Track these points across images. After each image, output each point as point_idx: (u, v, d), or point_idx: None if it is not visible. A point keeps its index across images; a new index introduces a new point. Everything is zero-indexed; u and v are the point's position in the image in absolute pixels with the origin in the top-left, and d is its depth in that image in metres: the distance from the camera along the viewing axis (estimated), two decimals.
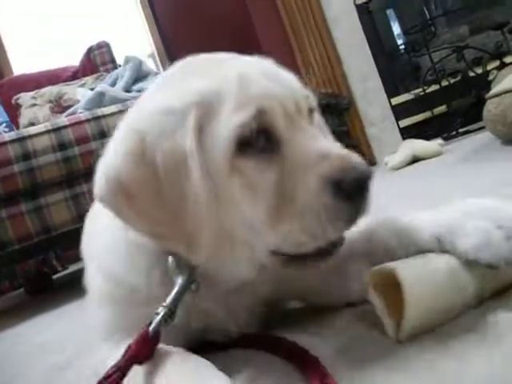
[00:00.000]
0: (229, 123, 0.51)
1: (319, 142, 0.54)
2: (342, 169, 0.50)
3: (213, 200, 0.51)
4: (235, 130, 0.51)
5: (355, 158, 0.51)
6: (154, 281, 0.59)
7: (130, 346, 0.51)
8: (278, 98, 0.54)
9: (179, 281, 0.56)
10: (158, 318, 0.52)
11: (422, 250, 0.55)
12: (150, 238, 0.54)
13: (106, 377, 0.49)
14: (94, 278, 0.69)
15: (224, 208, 0.52)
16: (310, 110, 0.60)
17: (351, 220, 0.52)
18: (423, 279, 0.50)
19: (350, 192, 0.50)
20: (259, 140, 0.52)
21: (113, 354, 0.55)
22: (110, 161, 0.53)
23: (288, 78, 0.59)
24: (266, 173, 0.52)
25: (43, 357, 1.02)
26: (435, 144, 2.40)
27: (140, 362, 0.51)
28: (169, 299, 0.54)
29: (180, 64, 0.63)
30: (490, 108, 1.73)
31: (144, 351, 0.51)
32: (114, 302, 0.64)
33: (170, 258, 0.57)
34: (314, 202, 0.50)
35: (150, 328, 0.52)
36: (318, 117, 0.64)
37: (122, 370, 0.50)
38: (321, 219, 0.50)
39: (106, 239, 0.65)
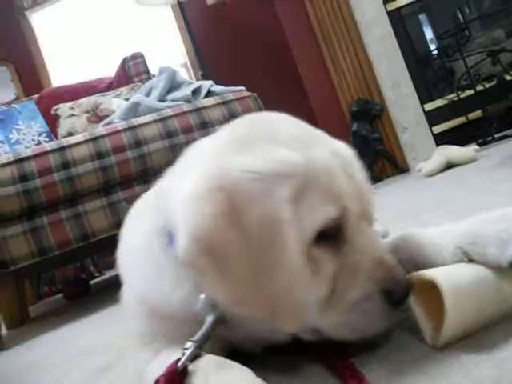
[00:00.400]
0: (317, 212, 0.53)
1: (375, 247, 0.58)
2: (393, 280, 0.55)
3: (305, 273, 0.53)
4: (321, 222, 0.53)
5: (399, 269, 0.57)
6: (175, 302, 0.61)
7: (158, 381, 0.51)
8: (355, 200, 0.57)
9: (210, 318, 0.57)
10: (187, 354, 0.53)
11: (448, 263, 0.56)
12: (231, 303, 0.53)
13: None
14: (125, 291, 0.72)
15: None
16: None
17: (391, 321, 0.57)
18: (463, 287, 0.50)
19: (398, 301, 0.55)
20: (332, 235, 0.55)
21: (151, 361, 0.58)
22: (197, 221, 0.51)
23: (362, 176, 0.61)
24: (329, 264, 0.55)
25: (86, 359, 1.06)
26: (470, 150, 2.36)
27: None
28: (198, 335, 0.55)
29: (251, 122, 0.63)
30: None
31: None
32: (143, 315, 0.67)
33: (203, 296, 0.57)
34: (366, 302, 0.55)
35: (179, 364, 0.52)
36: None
37: None
38: (367, 318, 0.55)
39: (135, 256, 0.67)
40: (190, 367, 0.52)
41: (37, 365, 1.21)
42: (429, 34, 3.60)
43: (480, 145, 2.70)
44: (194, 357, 0.53)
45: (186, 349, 0.53)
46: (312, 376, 0.56)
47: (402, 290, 0.55)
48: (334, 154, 0.57)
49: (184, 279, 0.59)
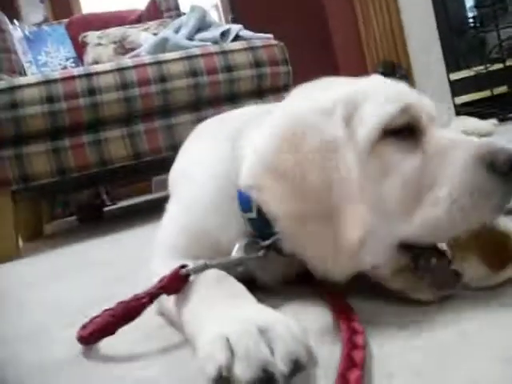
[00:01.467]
0: (377, 112, 0.54)
1: (460, 135, 0.55)
2: (492, 149, 0.49)
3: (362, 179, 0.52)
4: (383, 117, 0.53)
5: (498, 143, 0.51)
6: (229, 237, 0.64)
7: (164, 278, 0.57)
8: (419, 102, 0.57)
9: (234, 254, 0.60)
10: (193, 266, 0.57)
11: None
12: (295, 219, 0.53)
13: (136, 299, 0.56)
14: (172, 207, 0.74)
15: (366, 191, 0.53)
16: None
17: (504, 203, 0.49)
18: None
19: (505, 171, 0.48)
20: (403, 131, 0.54)
21: (161, 273, 0.59)
22: (265, 144, 0.57)
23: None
24: (408, 159, 0.53)
25: (100, 270, 1.16)
26: (489, 124, 2.36)
27: (169, 293, 0.57)
28: (215, 261, 0.58)
29: (309, 85, 0.66)
30: None
31: (175, 286, 0.56)
32: (187, 230, 0.69)
33: (246, 239, 0.61)
34: (466, 179, 0.49)
35: (184, 269, 0.56)
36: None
37: (152, 296, 0.56)
38: (474, 198, 0.48)
39: (196, 182, 0.70)
40: (192, 277, 0.57)
41: (50, 274, 1.31)
42: (468, 1, 3.51)
43: (501, 120, 2.70)
44: (202, 270, 0.57)
45: (199, 263, 0.57)
46: (307, 302, 0.60)
47: (506, 156, 0.48)
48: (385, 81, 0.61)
49: (240, 219, 0.63)
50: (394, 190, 0.51)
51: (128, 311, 0.57)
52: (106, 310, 0.60)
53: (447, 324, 0.46)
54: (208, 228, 0.66)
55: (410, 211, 0.51)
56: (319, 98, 0.58)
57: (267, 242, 0.61)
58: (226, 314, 0.48)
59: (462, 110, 3.04)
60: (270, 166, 0.55)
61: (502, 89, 3.02)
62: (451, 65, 3.21)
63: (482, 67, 3.03)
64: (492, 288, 0.52)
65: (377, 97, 0.55)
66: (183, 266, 0.57)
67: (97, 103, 1.90)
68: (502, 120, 2.71)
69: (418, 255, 0.53)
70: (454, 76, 3.19)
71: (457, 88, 3.15)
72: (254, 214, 0.61)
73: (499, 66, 2.91)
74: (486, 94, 3.12)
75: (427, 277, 0.52)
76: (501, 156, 0.48)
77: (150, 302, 0.57)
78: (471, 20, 3.41)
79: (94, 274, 1.12)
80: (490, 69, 2.97)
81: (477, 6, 3.25)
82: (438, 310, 0.50)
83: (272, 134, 0.57)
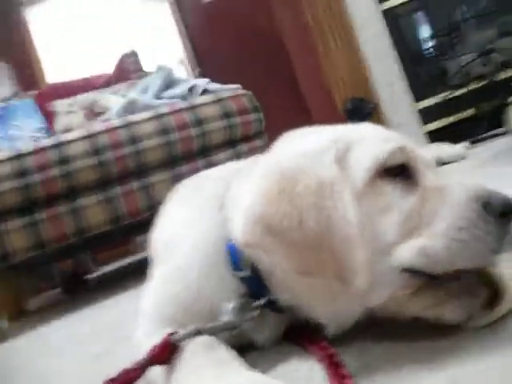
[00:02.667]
0: (373, 150, 0.53)
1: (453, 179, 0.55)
2: (486, 191, 0.50)
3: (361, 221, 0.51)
4: (380, 156, 0.53)
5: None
6: (221, 300, 0.61)
7: (154, 348, 0.55)
8: (413, 145, 0.57)
9: (225, 318, 0.58)
10: (184, 332, 0.55)
11: None
12: (299, 272, 0.53)
13: (126, 373, 0.54)
14: (159, 272, 0.72)
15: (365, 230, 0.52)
16: None
17: (499, 246, 0.49)
18: None
19: (499, 212, 0.49)
20: (398, 171, 0.54)
21: (148, 342, 0.58)
22: (253, 201, 0.54)
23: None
24: (407, 197, 0.53)
25: (80, 347, 1.11)
26: (460, 148, 2.40)
27: (160, 364, 0.55)
28: (207, 326, 0.57)
29: (292, 133, 0.66)
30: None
31: (166, 355, 0.54)
32: (175, 299, 0.66)
33: (238, 300, 0.59)
34: (463, 216, 0.49)
35: (174, 336, 0.55)
36: None
37: (142, 367, 0.54)
38: (471, 234, 0.49)
39: (183, 249, 0.68)
40: (183, 343, 0.55)
41: (36, 356, 1.26)
42: (424, 32, 3.64)
43: (472, 142, 2.75)
44: (193, 336, 0.55)
45: (188, 329, 0.56)
46: (301, 357, 0.58)
47: (501, 199, 0.49)
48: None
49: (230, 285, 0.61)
50: (393, 226, 0.51)
51: None
52: None
53: (436, 370, 0.44)
54: (199, 295, 0.64)
55: (408, 238, 0.51)
56: (306, 142, 0.58)
57: (262, 301, 0.59)
58: None
59: (434, 137, 3.10)
60: (263, 221, 0.52)
61: (470, 112, 3.09)
62: (417, 94, 3.28)
63: (447, 93, 3.11)
64: (478, 329, 0.50)
65: (371, 137, 0.55)
66: (172, 334, 0.56)
67: (70, 172, 1.89)
68: (474, 142, 2.76)
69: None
70: (422, 105, 3.26)
71: (426, 116, 3.21)
72: (247, 273, 0.60)
73: (463, 90, 2.99)
74: (455, 118, 3.19)
75: (454, 285, 0.51)
76: (494, 199, 0.49)
77: (142, 373, 0.54)
78: (430, 50, 3.52)
79: (82, 351, 1.07)
80: (455, 94, 3.04)
81: (432, 36, 3.37)
82: (425, 353, 0.48)
83: (261, 186, 0.55)
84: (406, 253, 0.51)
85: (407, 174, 0.55)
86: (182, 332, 0.56)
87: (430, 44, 3.49)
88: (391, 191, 0.53)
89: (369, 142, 0.55)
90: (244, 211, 0.55)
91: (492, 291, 0.52)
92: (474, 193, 0.50)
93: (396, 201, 0.52)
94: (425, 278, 0.51)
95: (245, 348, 0.58)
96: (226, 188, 0.67)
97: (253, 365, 0.53)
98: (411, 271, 0.51)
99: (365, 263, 0.49)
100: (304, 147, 0.56)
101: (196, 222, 0.69)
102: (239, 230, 0.55)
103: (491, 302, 0.51)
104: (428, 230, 0.50)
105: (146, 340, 0.61)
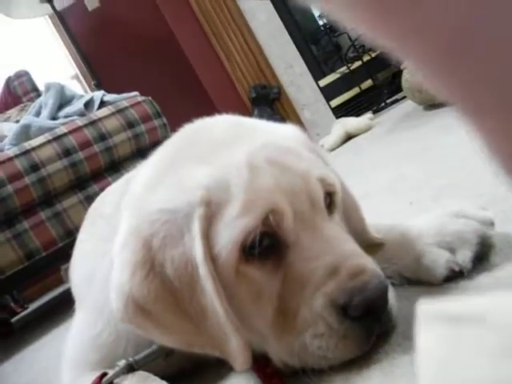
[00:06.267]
0: (233, 228, 0.48)
1: (330, 249, 0.50)
2: (349, 290, 0.47)
3: (231, 309, 0.49)
4: (239, 236, 0.48)
5: (369, 270, 0.48)
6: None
7: None
8: (288, 194, 0.50)
9: (154, 347, 0.56)
10: (116, 370, 0.54)
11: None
12: (179, 347, 0.52)
13: None
14: (79, 314, 0.69)
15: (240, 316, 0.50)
16: (329, 194, 0.56)
17: (365, 340, 0.48)
18: None
19: (357, 316, 0.47)
20: (265, 245, 0.50)
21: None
22: (120, 277, 0.50)
23: (299, 164, 0.53)
24: (271, 281, 0.50)
25: None
26: (365, 119, 2.48)
27: None
28: (137, 357, 0.55)
29: (178, 140, 0.60)
30: (407, 77, 1.81)
31: None
32: (98, 342, 0.63)
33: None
34: (318, 324, 0.48)
35: (105, 379, 0.53)
36: (338, 198, 0.58)
37: None
38: (325, 342, 0.48)
39: (98, 287, 0.64)
40: (116, 381, 0.53)
41: None
42: (314, 11, 3.71)
43: (375, 112, 2.85)
44: (122, 373, 0.54)
45: (117, 365, 0.54)
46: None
47: (361, 299, 0.46)
48: (259, 149, 0.52)
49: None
50: (263, 314, 0.50)
51: None
52: None
53: None
54: (120, 333, 0.60)
55: (279, 336, 0.50)
56: (174, 191, 0.52)
57: None
58: None
59: (339, 112, 3.18)
60: (134, 303, 0.49)
61: (368, 83, 3.19)
62: (317, 73, 3.35)
63: (344, 68, 3.20)
64: None
65: (237, 197, 0.49)
66: (104, 375, 0.53)
67: None
68: (376, 111, 2.86)
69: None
70: (323, 82, 3.33)
71: (329, 93, 3.29)
72: None
73: (359, 63, 3.09)
74: (355, 91, 3.29)
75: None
76: (355, 300, 0.47)
77: None
78: (322, 28, 3.60)
79: None
80: (352, 68, 3.14)
81: (322, 14, 3.44)
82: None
83: (124, 258, 0.50)
84: (278, 350, 0.51)
85: (278, 243, 0.51)
86: (112, 371, 0.54)
87: (322, 22, 3.57)
88: (256, 274, 0.50)
89: (236, 207, 0.49)
90: (115, 287, 0.51)
91: None
92: (332, 297, 0.48)
93: (261, 285, 0.50)
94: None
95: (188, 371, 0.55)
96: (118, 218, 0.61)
97: None
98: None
99: (240, 350, 0.48)
100: (170, 200, 0.51)
101: (106, 254, 0.64)
102: (113, 304, 0.51)
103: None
104: (291, 324, 0.49)
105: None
